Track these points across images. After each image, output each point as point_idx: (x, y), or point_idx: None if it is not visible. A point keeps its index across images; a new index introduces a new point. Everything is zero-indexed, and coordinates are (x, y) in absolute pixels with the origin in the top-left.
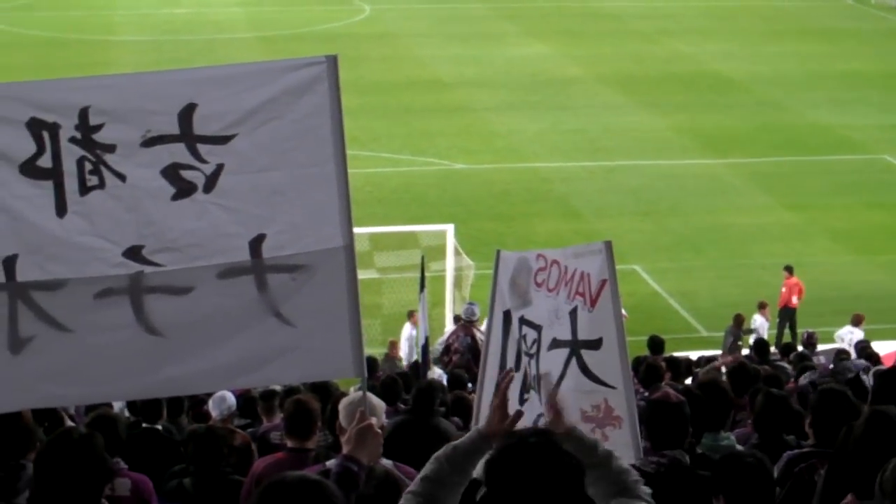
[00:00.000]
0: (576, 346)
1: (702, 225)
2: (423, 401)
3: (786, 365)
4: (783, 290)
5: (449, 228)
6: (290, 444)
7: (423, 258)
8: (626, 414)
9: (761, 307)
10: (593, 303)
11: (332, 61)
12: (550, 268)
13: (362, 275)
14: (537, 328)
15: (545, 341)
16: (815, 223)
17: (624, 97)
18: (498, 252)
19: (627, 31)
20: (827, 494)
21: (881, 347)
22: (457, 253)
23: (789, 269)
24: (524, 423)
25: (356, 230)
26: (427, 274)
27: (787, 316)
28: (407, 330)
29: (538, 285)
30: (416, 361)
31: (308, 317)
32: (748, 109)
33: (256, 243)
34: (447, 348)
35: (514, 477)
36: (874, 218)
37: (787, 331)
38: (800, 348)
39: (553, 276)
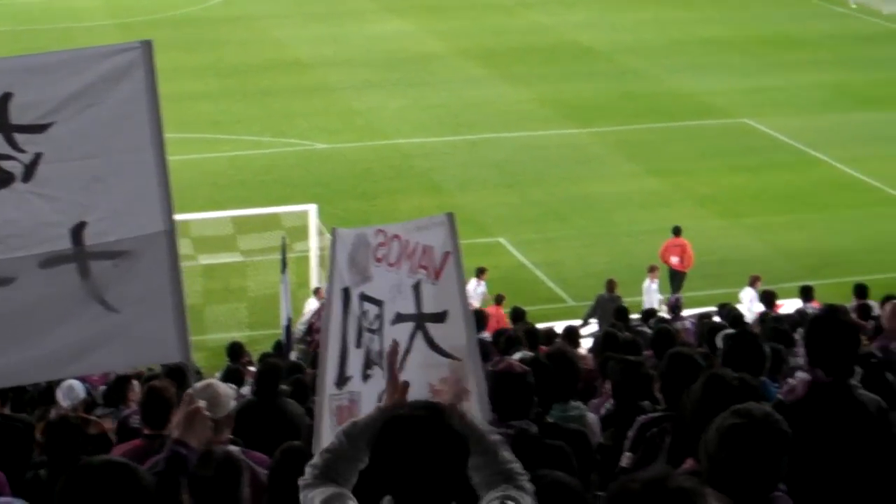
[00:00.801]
0: (421, 320)
1: (566, 195)
2: (266, 383)
3: (647, 330)
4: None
5: (311, 208)
6: (146, 430)
7: (284, 240)
8: (474, 386)
9: (651, 270)
10: (437, 275)
11: (147, 47)
12: (391, 242)
13: (227, 258)
14: (378, 303)
15: (388, 316)
16: (679, 189)
17: (485, 70)
18: (334, 230)
19: (487, 5)
20: (671, 458)
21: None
22: (320, 233)
23: (675, 231)
24: (370, 399)
25: (220, 214)
26: (291, 255)
27: (671, 277)
28: (474, 286)
29: (378, 261)
30: (278, 342)
31: (132, 302)
32: (610, 78)
33: (78, 231)
34: (310, 328)
35: (398, 447)
36: (738, 181)
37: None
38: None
39: (394, 251)
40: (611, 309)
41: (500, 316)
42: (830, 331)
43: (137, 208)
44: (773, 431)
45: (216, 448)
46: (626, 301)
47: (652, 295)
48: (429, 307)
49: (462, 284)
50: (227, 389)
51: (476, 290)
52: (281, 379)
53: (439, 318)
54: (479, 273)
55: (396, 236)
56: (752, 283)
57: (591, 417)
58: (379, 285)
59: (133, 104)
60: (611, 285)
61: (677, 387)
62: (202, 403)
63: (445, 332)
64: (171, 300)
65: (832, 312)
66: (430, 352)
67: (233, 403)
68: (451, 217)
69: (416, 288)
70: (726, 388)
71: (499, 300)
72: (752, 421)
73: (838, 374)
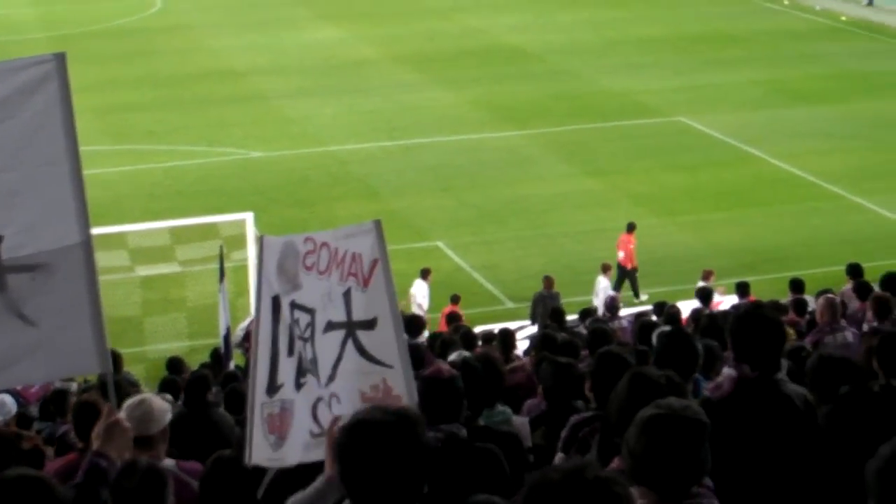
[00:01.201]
0: (351, 328)
1: (503, 197)
2: (195, 393)
3: (583, 331)
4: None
5: (248, 217)
6: (80, 444)
7: (222, 248)
8: (405, 392)
9: (605, 269)
10: (366, 283)
11: (61, 59)
12: (320, 250)
13: (165, 269)
14: (310, 311)
15: (319, 324)
16: (616, 189)
17: (419, 75)
18: (262, 238)
19: (420, 10)
20: (600, 457)
21: (686, 307)
22: (258, 241)
23: (628, 227)
24: (304, 408)
25: (157, 224)
26: (229, 264)
27: (621, 274)
28: (420, 287)
29: (308, 269)
30: (215, 350)
31: (50, 315)
32: (544, 79)
33: None
34: (247, 334)
35: (361, 451)
36: (674, 180)
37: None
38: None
39: (323, 259)
40: (550, 306)
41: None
42: (755, 327)
43: (53, 221)
44: (691, 422)
45: (139, 459)
46: (569, 300)
47: (602, 293)
48: (359, 314)
49: (392, 291)
50: (162, 403)
51: (421, 292)
52: (210, 389)
53: (369, 325)
54: (424, 275)
55: (325, 244)
56: (706, 277)
57: (518, 420)
58: (309, 293)
59: (47, 117)
60: (548, 282)
61: (607, 386)
62: (122, 415)
63: (376, 339)
64: (89, 311)
65: (756, 308)
66: (361, 359)
67: (168, 417)
68: (378, 224)
69: (347, 295)
70: (651, 386)
71: (455, 300)
72: (671, 412)
73: (764, 369)
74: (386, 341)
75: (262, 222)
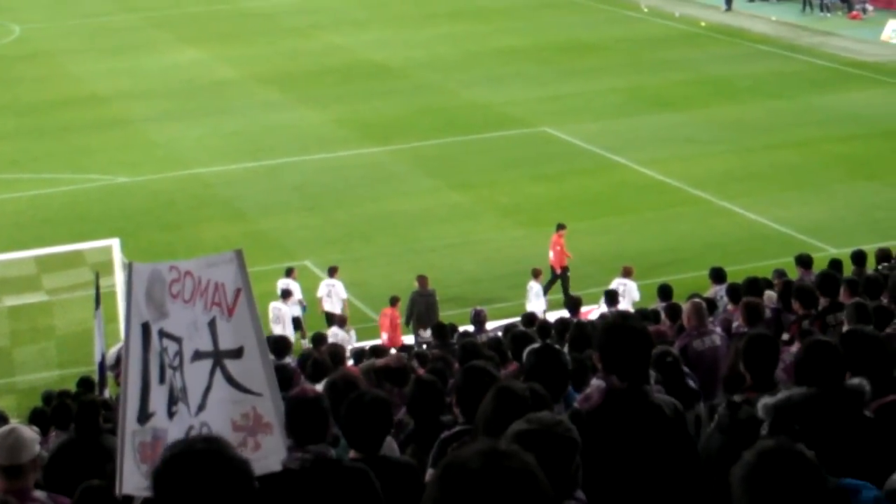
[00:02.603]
0: (218, 357)
1: (369, 214)
2: (85, 419)
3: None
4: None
5: (115, 243)
6: None
7: (97, 275)
8: (275, 419)
9: (535, 274)
10: (231, 312)
11: None
12: (184, 279)
13: (32, 298)
14: (178, 340)
15: (187, 353)
16: (482, 201)
17: (281, 94)
18: (130, 264)
19: (280, 29)
20: None
21: (552, 315)
22: (125, 267)
23: (557, 227)
24: (176, 437)
25: (22, 254)
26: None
27: (553, 276)
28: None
29: (174, 297)
30: (85, 378)
31: None
32: (406, 95)
33: None
34: (118, 360)
35: (181, 484)
36: (539, 190)
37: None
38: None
39: (188, 288)
40: (423, 304)
41: (395, 317)
42: (623, 338)
43: None
44: (561, 439)
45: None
46: (444, 314)
47: (535, 297)
48: (225, 343)
49: (256, 319)
50: (30, 432)
51: (335, 290)
52: (100, 414)
53: (236, 354)
54: (332, 272)
55: (189, 272)
56: (626, 273)
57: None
58: (176, 322)
59: None
60: (422, 281)
61: (473, 400)
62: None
63: (243, 368)
64: None
65: (623, 319)
66: (230, 388)
67: (38, 448)
68: (239, 254)
69: (212, 325)
70: (516, 400)
71: (393, 302)
72: (541, 427)
73: (633, 380)
74: (253, 369)
75: (129, 247)
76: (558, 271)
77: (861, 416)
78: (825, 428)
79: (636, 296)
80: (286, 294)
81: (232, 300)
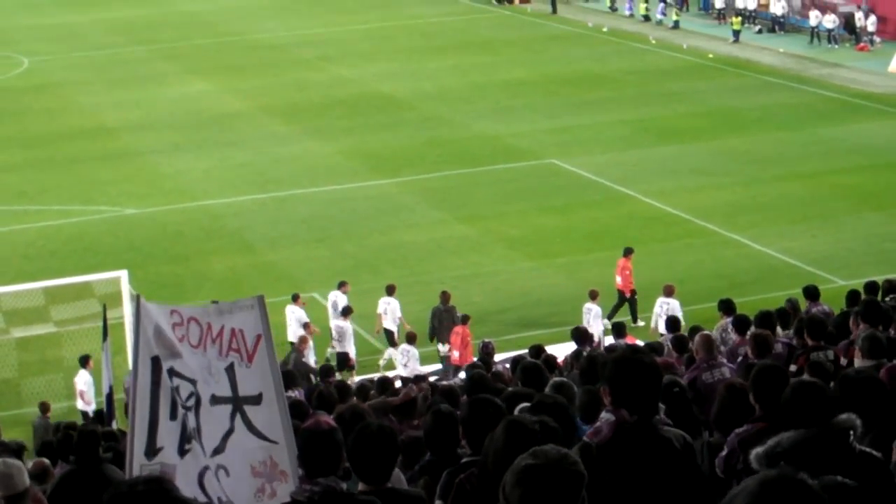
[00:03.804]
0: (238, 403)
1: (377, 246)
2: (86, 449)
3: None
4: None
5: (123, 274)
6: None
7: (104, 307)
8: (290, 468)
9: (593, 296)
10: (250, 358)
11: None
12: (188, 324)
13: (40, 330)
14: (191, 381)
15: (204, 396)
16: (489, 233)
17: (289, 126)
18: (138, 298)
19: (288, 61)
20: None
21: (560, 350)
22: (133, 299)
23: (625, 252)
24: (189, 474)
25: (30, 286)
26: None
27: (620, 300)
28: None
29: (180, 340)
30: (99, 411)
31: None
32: (414, 126)
33: None
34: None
35: None
36: (547, 222)
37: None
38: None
39: (193, 333)
40: (446, 319)
41: (466, 335)
42: (632, 371)
43: None
44: (567, 472)
45: None
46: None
47: (594, 320)
48: (245, 390)
49: (275, 366)
50: (17, 462)
51: (391, 308)
52: (100, 444)
53: (255, 400)
54: (390, 290)
55: (193, 319)
56: (668, 292)
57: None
58: (189, 364)
59: None
60: (445, 296)
61: (480, 432)
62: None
63: (261, 415)
64: None
65: (633, 353)
66: (249, 434)
67: (26, 476)
68: (261, 300)
69: (230, 370)
70: (526, 433)
71: (464, 320)
72: (547, 462)
73: (642, 413)
74: (271, 417)
75: (138, 279)
76: (627, 295)
77: (851, 452)
78: (817, 468)
79: (679, 314)
80: (347, 311)
81: (252, 346)
